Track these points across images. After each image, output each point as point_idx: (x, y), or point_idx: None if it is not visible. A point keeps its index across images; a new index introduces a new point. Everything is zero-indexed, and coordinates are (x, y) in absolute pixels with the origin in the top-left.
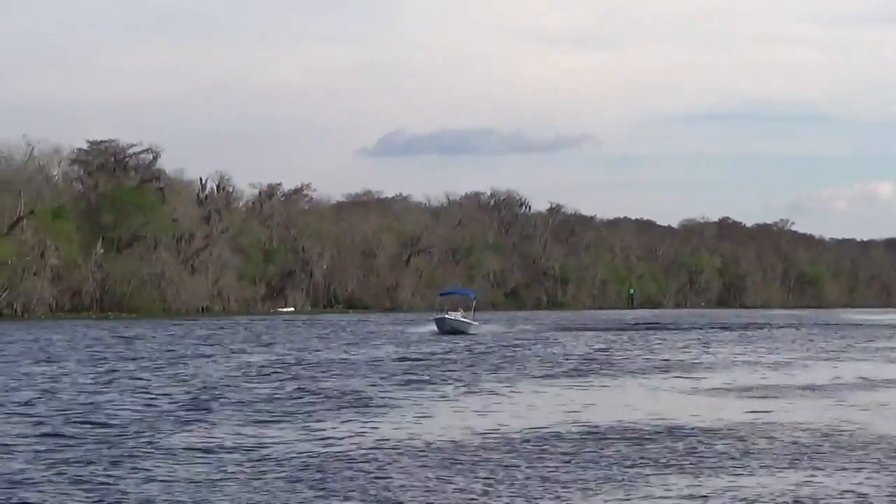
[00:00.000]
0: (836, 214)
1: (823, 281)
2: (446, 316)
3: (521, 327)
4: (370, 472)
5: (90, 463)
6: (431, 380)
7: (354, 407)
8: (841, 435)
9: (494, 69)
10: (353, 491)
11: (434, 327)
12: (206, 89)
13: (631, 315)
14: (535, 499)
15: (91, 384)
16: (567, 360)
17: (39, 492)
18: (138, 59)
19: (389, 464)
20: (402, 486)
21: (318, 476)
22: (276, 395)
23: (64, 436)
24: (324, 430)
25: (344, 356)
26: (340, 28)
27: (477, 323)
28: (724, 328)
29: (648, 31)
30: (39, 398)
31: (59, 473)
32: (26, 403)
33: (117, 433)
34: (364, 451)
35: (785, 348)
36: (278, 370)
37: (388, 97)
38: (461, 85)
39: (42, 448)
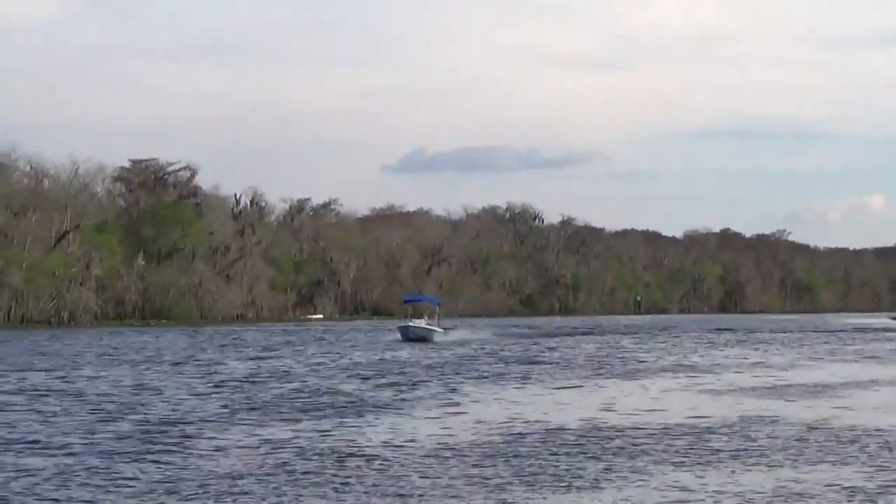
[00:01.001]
0: (829, 225)
1: (818, 287)
2: (409, 323)
3: (487, 335)
4: (388, 470)
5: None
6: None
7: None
8: (836, 430)
9: (510, 91)
10: (372, 486)
11: (398, 335)
12: (240, 110)
13: (637, 320)
14: (546, 493)
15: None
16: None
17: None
18: (177, 83)
19: (402, 461)
20: (421, 481)
21: (337, 472)
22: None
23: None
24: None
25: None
26: (366, 53)
27: (441, 330)
28: (671, 332)
29: (654, 54)
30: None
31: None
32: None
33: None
34: (376, 449)
35: (783, 350)
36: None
37: (410, 118)
38: (479, 106)
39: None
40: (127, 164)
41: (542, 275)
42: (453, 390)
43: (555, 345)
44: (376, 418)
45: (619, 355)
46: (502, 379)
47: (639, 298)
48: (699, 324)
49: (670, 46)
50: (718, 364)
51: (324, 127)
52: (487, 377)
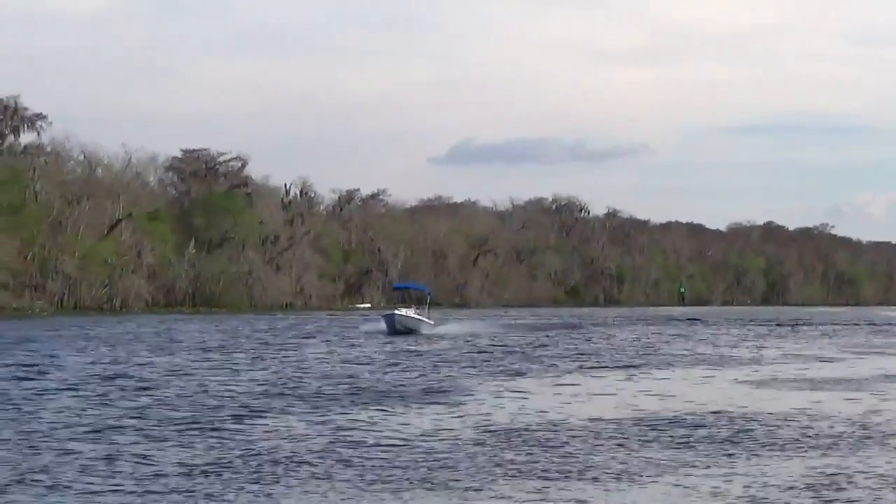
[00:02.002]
0: (872, 219)
1: (861, 280)
2: (396, 313)
3: (482, 327)
4: (439, 456)
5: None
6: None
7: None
8: (874, 423)
9: (557, 84)
10: (415, 475)
11: (383, 325)
12: (291, 102)
13: (680, 311)
14: (604, 479)
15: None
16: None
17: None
18: (228, 74)
19: (445, 450)
20: (462, 469)
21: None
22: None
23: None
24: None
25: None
26: (415, 46)
27: (432, 322)
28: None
29: (697, 49)
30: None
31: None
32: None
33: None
34: (417, 438)
35: (826, 343)
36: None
37: (458, 109)
38: (526, 98)
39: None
40: (179, 154)
41: (588, 266)
42: (474, 382)
43: (549, 338)
44: (411, 409)
45: (635, 346)
46: (511, 373)
47: (682, 290)
48: (742, 315)
49: (713, 42)
50: (761, 356)
51: (373, 118)
52: (502, 370)
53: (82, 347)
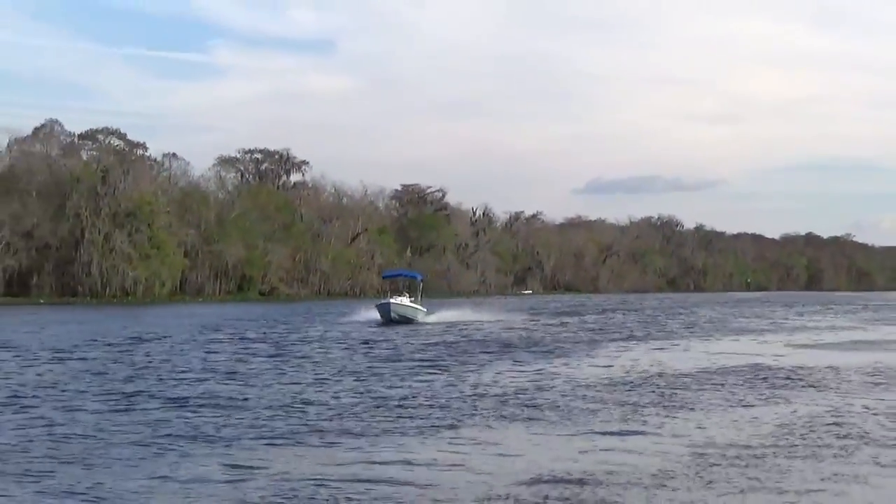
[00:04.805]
0: (883, 230)
1: (875, 274)
2: (391, 301)
3: (478, 315)
4: (548, 394)
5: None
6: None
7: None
8: (880, 372)
9: (662, 137)
10: (544, 407)
11: (376, 315)
12: (477, 150)
13: (738, 296)
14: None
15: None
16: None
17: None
18: (432, 132)
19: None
20: (578, 404)
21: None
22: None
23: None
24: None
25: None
26: (561, 111)
27: (425, 310)
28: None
29: (761, 111)
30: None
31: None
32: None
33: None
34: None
35: (849, 317)
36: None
37: (592, 155)
38: (640, 147)
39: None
40: (399, 188)
41: (682, 264)
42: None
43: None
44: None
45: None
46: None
47: (749, 281)
48: (791, 298)
49: (771, 107)
50: (801, 325)
51: (533, 161)
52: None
53: (330, 321)
